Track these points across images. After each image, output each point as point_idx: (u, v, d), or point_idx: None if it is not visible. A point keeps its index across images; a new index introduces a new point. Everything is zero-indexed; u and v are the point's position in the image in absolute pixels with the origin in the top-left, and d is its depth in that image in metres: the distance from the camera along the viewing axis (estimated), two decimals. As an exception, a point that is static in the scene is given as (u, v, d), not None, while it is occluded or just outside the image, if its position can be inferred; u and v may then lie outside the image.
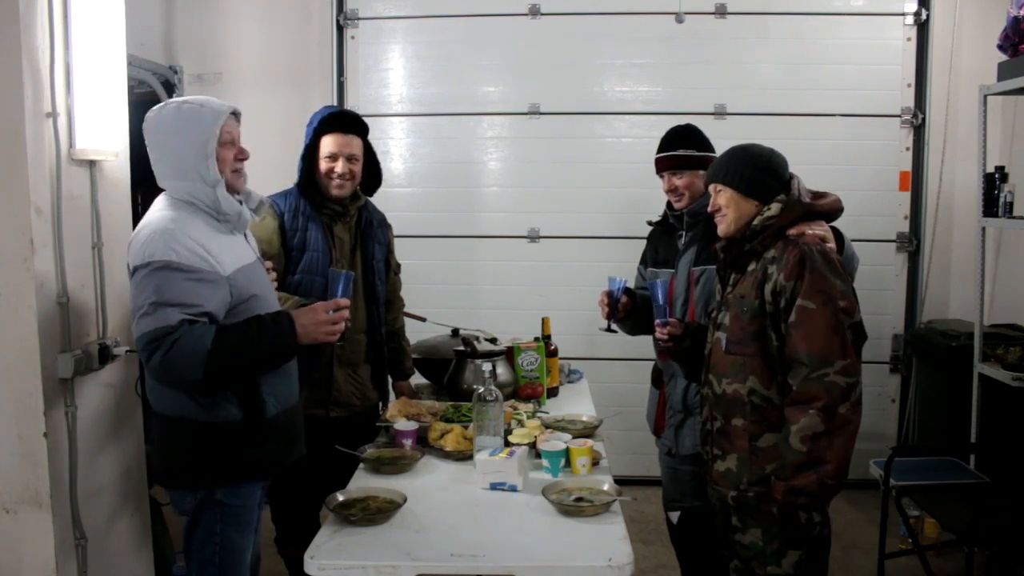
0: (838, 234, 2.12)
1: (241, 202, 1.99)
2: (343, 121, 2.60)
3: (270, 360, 1.92)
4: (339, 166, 2.55)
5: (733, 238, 2.08)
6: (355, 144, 2.60)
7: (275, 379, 1.96)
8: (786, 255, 1.94)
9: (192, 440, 1.88)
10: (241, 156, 1.98)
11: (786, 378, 1.94)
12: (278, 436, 1.97)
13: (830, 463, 1.85)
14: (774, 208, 2.01)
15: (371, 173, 2.72)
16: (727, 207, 2.06)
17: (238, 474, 1.93)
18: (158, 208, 1.92)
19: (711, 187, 2.11)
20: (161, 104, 1.94)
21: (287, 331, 1.89)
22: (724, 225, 2.08)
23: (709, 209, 2.13)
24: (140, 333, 1.78)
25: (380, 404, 2.80)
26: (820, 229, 2.02)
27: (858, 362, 1.90)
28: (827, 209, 2.06)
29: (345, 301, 2.01)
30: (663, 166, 2.57)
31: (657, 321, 2.31)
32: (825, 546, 2.05)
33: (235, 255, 1.93)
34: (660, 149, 2.59)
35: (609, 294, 2.57)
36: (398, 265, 2.94)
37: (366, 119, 2.68)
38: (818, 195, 2.08)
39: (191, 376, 1.78)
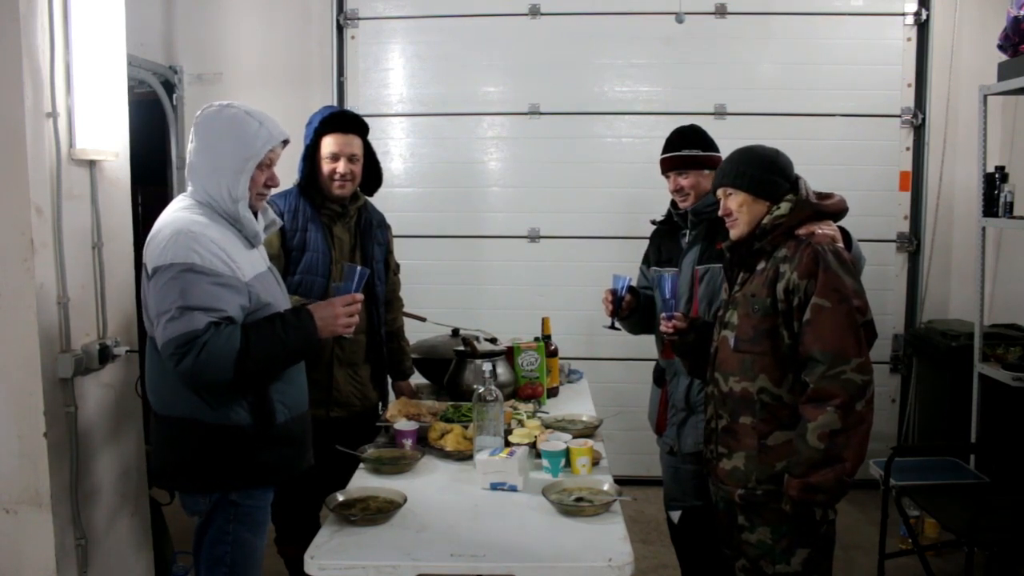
0: (846, 234, 2.13)
1: (257, 215, 2.00)
2: (343, 121, 2.60)
3: (296, 355, 1.94)
4: (341, 166, 2.56)
5: (741, 237, 2.08)
6: (356, 144, 2.60)
7: (284, 386, 1.96)
8: (799, 254, 1.95)
9: (200, 442, 1.88)
10: (271, 183, 1.99)
11: (797, 376, 1.95)
12: (289, 442, 1.98)
13: (847, 460, 1.86)
14: (784, 207, 2.02)
15: (371, 173, 2.73)
16: (739, 211, 2.06)
17: (251, 478, 1.93)
18: (177, 208, 1.92)
19: (720, 191, 2.11)
20: (225, 103, 1.94)
21: (309, 325, 1.91)
22: (737, 229, 2.08)
23: (720, 214, 2.12)
24: (168, 338, 1.77)
25: (380, 404, 2.80)
26: (829, 229, 2.03)
27: (870, 360, 1.91)
28: (835, 209, 2.07)
29: (360, 296, 2.04)
30: (668, 166, 2.58)
31: (663, 315, 2.31)
32: (832, 544, 2.06)
33: (251, 263, 1.94)
34: (665, 149, 2.60)
35: (613, 292, 2.57)
36: (397, 265, 2.94)
37: (366, 119, 2.68)
38: (823, 196, 2.09)
39: (222, 377, 1.79)
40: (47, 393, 2.12)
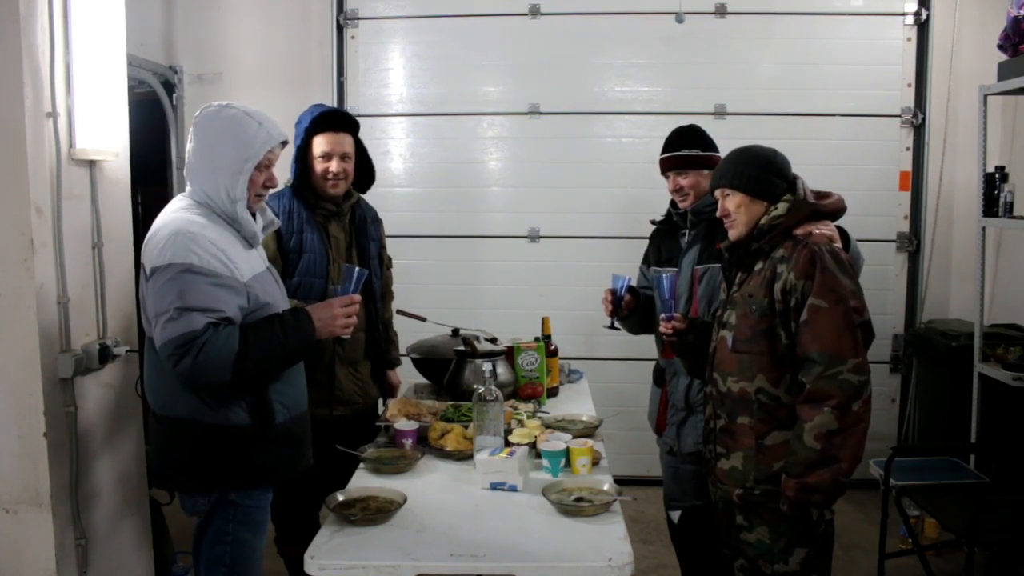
0: (844, 234, 2.13)
1: (255, 216, 2.00)
2: (334, 119, 2.60)
3: (295, 356, 1.94)
4: (333, 165, 2.56)
5: (739, 238, 2.08)
6: (347, 142, 2.60)
7: (283, 386, 1.96)
8: (796, 254, 1.95)
9: (198, 442, 1.88)
10: (269, 183, 1.99)
11: (795, 376, 1.95)
12: (288, 442, 1.98)
13: (844, 460, 1.86)
14: (781, 208, 2.02)
15: (364, 170, 2.72)
16: (737, 211, 2.06)
17: (250, 478, 1.93)
18: (175, 208, 1.92)
19: (718, 192, 2.11)
20: (225, 103, 1.94)
21: (307, 326, 1.91)
22: (736, 230, 2.07)
23: (718, 214, 2.12)
24: (166, 339, 1.77)
25: (380, 400, 2.80)
26: (827, 229, 2.03)
27: (867, 361, 1.91)
28: (832, 209, 2.07)
29: (357, 296, 2.05)
30: (668, 166, 2.58)
31: (662, 316, 2.31)
32: (830, 543, 2.06)
33: (250, 263, 1.94)
34: (665, 149, 2.60)
35: (613, 292, 2.57)
36: (389, 260, 2.96)
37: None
38: (821, 195, 2.09)
39: (220, 378, 1.79)
40: (47, 393, 2.12)
